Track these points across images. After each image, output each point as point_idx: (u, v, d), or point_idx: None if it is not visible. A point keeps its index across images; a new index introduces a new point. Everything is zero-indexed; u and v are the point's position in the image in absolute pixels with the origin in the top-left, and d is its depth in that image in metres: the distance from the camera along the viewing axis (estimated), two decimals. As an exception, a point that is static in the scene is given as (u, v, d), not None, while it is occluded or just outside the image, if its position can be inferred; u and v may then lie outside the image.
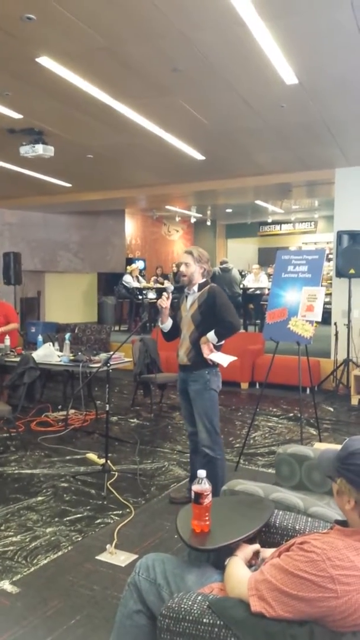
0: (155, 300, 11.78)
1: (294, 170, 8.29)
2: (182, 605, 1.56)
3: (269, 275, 11.75)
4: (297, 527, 1.97)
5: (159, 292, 12.15)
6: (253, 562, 1.79)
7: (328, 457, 1.59)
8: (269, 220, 16.89)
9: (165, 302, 3.65)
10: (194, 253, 3.64)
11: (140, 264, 13.97)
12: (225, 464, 3.66)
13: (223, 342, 3.58)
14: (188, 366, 3.60)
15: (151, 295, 12.07)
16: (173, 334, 3.78)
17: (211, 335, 3.49)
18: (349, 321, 7.40)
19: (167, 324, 3.74)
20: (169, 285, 11.82)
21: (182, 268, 3.65)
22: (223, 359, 3.57)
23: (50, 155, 6.12)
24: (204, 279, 3.67)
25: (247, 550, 1.79)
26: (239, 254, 17.39)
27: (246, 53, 4.14)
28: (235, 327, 3.53)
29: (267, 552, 1.81)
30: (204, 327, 3.53)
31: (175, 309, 3.83)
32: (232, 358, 3.59)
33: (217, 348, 3.57)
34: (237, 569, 1.67)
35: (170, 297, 3.71)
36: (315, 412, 5.34)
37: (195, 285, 3.64)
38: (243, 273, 13.57)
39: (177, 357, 3.70)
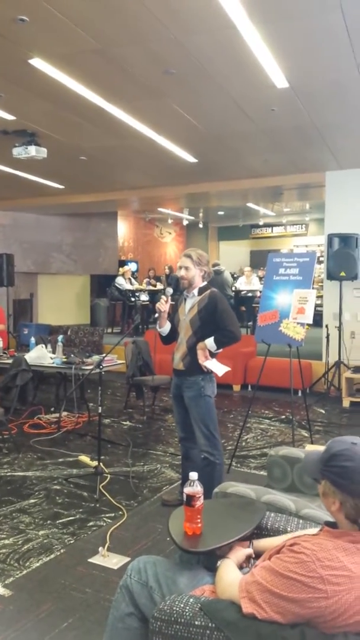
0: (147, 303, 11.80)
1: (285, 173, 8.33)
2: (174, 608, 1.56)
3: (260, 278, 11.79)
4: (288, 529, 1.98)
5: (152, 294, 12.17)
6: (244, 565, 1.80)
7: (312, 460, 1.60)
8: (261, 223, 16.95)
9: (164, 306, 3.59)
10: (193, 256, 3.56)
11: (132, 266, 13.97)
12: (223, 469, 3.64)
13: (220, 350, 3.51)
14: (183, 372, 3.55)
15: (144, 297, 12.07)
16: (171, 338, 3.71)
17: (210, 342, 3.42)
18: (340, 323, 7.43)
19: (166, 327, 3.68)
20: (168, 288, 11.84)
21: (182, 272, 3.56)
22: (218, 368, 3.49)
23: (43, 156, 6.12)
24: (205, 283, 3.60)
25: (240, 553, 1.80)
26: (230, 256, 17.42)
27: (237, 56, 4.16)
28: (236, 336, 3.45)
29: (261, 543, 1.82)
30: (203, 332, 3.47)
31: (173, 311, 3.77)
32: (227, 368, 3.52)
33: (213, 355, 3.51)
34: (229, 572, 1.67)
35: (169, 300, 3.65)
36: (307, 414, 5.37)
37: (196, 289, 3.56)
38: (235, 275, 13.61)
39: (172, 360, 3.65)
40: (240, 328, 3.57)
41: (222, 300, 3.51)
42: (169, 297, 3.66)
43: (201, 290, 3.56)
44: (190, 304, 3.57)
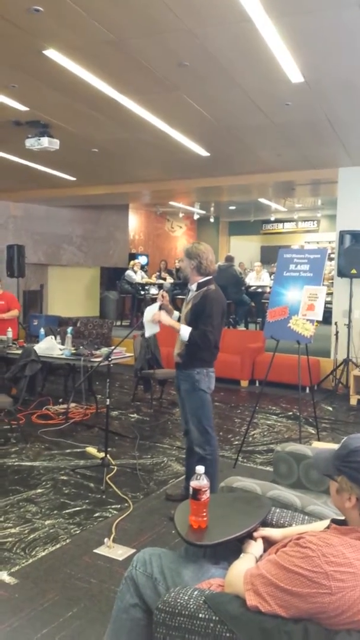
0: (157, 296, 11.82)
1: (298, 169, 8.28)
2: (178, 600, 1.57)
3: (270, 274, 11.75)
4: (293, 525, 1.98)
5: (161, 287, 12.19)
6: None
7: (325, 457, 1.60)
8: (272, 219, 16.86)
9: (161, 300, 3.61)
10: (186, 248, 3.60)
11: (143, 260, 13.98)
12: (217, 464, 3.60)
13: (185, 338, 3.43)
14: (179, 364, 3.56)
15: (153, 290, 12.10)
16: None
17: (185, 331, 3.38)
18: (350, 321, 7.40)
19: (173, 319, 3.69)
20: (165, 283, 11.85)
21: (179, 264, 3.68)
22: (151, 329, 3.64)
23: (55, 148, 6.12)
24: (206, 278, 3.52)
25: (259, 546, 1.79)
26: (241, 252, 17.38)
27: (252, 50, 4.13)
28: (209, 344, 3.39)
29: (272, 532, 1.82)
30: (195, 327, 3.44)
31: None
32: (154, 331, 3.71)
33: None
34: (242, 563, 1.66)
35: (167, 295, 3.66)
36: (314, 411, 5.35)
37: (194, 284, 3.53)
38: (241, 271, 13.52)
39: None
40: (216, 339, 3.45)
41: (212, 303, 3.42)
42: (166, 292, 3.70)
43: (200, 286, 3.51)
44: (189, 298, 3.58)
